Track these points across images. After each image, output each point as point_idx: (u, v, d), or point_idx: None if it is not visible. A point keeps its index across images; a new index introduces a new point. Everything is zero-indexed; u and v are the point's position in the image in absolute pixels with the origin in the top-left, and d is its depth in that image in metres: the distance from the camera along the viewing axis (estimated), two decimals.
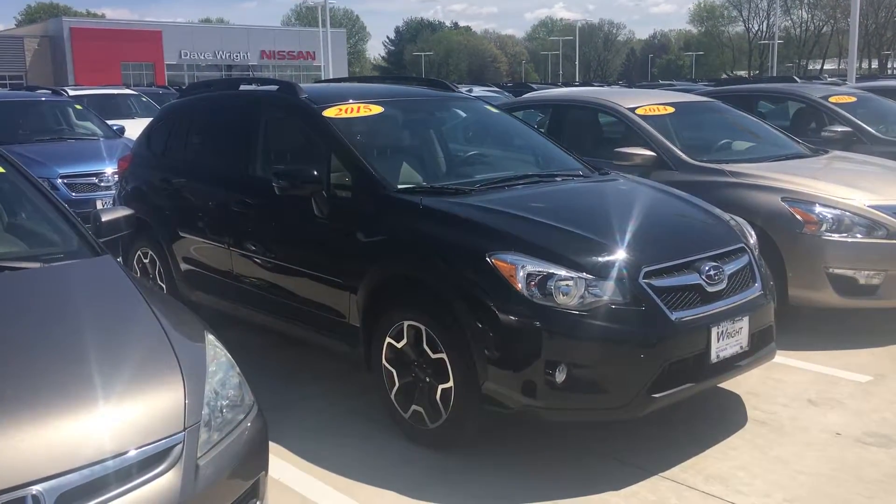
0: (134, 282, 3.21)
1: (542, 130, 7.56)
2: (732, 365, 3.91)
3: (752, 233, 4.49)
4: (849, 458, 3.81)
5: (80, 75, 51.45)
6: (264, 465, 2.80)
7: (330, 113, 4.69)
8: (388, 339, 4.04)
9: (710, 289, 3.81)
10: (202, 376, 2.66)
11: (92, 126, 10.42)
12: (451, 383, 3.76)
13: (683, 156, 6.16)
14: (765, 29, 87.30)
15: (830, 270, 5.33)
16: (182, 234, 5.47)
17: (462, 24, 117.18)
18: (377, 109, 4.89)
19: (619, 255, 3.70)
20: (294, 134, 5.06)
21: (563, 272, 3.56)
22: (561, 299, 3.53)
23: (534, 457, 3.87)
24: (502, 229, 3.83)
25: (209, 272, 5.30)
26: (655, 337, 3.58)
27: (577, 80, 68.74)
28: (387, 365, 4.08)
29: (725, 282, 3.89)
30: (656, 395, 3.59)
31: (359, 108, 4.82)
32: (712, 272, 3.83)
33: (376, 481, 3.67)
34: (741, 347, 3.92)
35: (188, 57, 62.38)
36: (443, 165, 5.05)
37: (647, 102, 6.74)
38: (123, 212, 3.88)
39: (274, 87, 5.20)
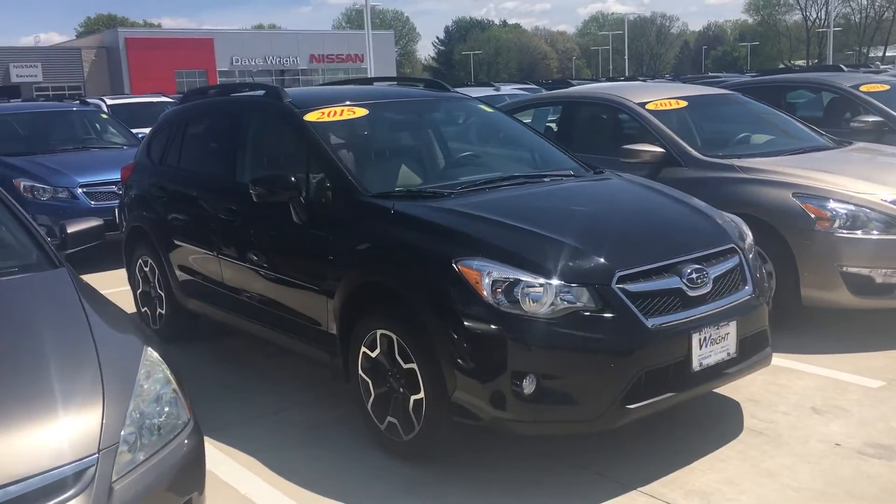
0: (81, 294, 3.14)
1: (553, 129, 7.40)
2: (719, 373, 3.70)
3: (748, 232, 4.25)
4: (845, 471, 3.56)
5: (136, 84, 52.50)
6: (198, 486, 2.71)
7: (311, 117, 4.59)
8: (362, 348, 3.93)
9: (691, 293, 3.60)
10: (128, 395, 2.58)
11: (117, 135, 10.53)
12: (422, 394, 3.63)
13: (693, 151, 5.90)
14: (823, 16, 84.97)
15: (845, 269, 5.05)
16: (177, 243, 5.44)
17: (514, 21, 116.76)
18: (361, 112, 4.78)
19: (592, 259, 3.52)
20: (278, 139, 4.98)
21: (529, 278, 3.40)
22: (529, 307, 3.37)
23: (510, 469, 3.71)
24: (470, 234, 3.68)
25: (202, 280, 5.25)
26: (628, 345, 3.39)
27: (626, 73, 67.71)
28: (362, 375, 3.97)
29: (710, 285, 3.68)
30: (631, 406, 3.40)
31: (342, 111, 4.71)
32: (694, 275, 3.62)
33: (345, 496, 3.56)
34: (728, 354, 3.71)
35: (239, 63, 63.22)
36: (429, 167, 4.90)
37: (658, 97, 6.49)
38: (91, 223, 3.86)
39: (261, 92, 5.14)
